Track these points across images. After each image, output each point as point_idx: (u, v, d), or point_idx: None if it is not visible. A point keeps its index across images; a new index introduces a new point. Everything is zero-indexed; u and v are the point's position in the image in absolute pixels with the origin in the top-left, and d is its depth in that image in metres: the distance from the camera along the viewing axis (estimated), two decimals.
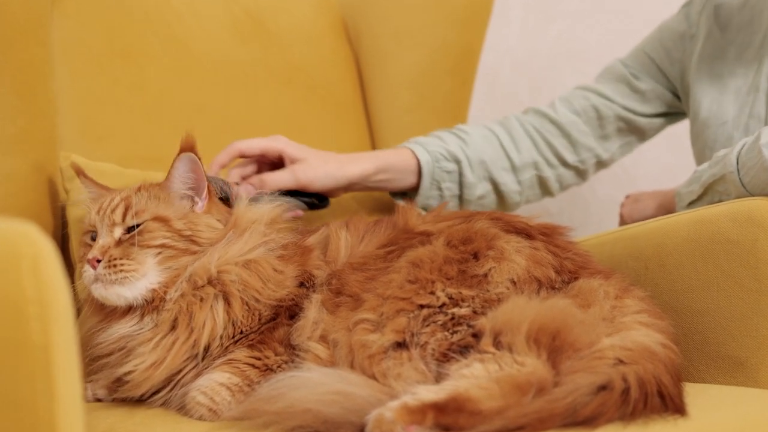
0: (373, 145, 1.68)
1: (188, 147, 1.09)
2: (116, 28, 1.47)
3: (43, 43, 1.30)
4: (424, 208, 1.45)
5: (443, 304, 0.97)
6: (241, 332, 1.04)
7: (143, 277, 1.03)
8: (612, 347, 0.92)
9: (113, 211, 1.07)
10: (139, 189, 1.10)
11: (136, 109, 1.45)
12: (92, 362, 1.09)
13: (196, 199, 1.11)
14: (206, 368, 1.03)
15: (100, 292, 1.03)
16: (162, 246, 1.05)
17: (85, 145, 1.38)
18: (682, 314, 1.15)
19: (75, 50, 1.42)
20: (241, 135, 1.36)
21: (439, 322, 0.95)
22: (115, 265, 1.02)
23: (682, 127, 1.74)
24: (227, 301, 1.04)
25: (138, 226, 1.06)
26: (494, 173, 1.47)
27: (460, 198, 1.47)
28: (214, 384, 1.00)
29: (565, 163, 1.52)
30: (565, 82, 1.98)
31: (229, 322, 1.04)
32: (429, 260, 1.01)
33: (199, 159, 1.09)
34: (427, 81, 1.66)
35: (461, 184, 1.45)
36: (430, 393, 0.85)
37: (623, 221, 1.64)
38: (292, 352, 1.03)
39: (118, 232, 1.06)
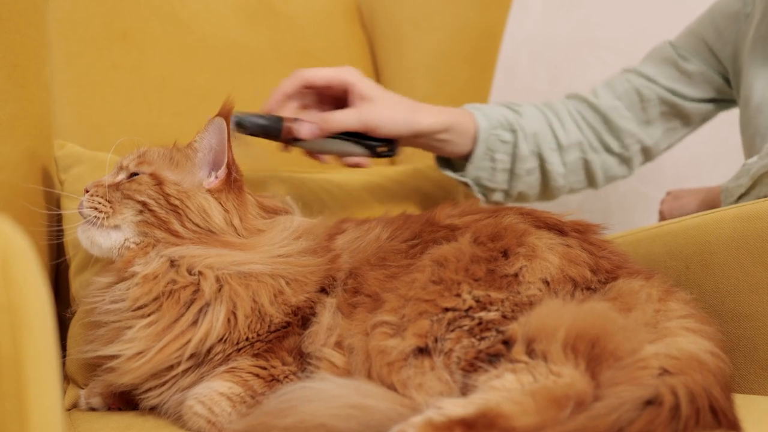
0: None
1: (223, 112, 1.05)
2: (115, 8, 1.43)
3: (36, 22, 1.26)
4: (475, 181, 1.37)
5: (470, 308, 0.89)
6: (246, 339, 0.97)
7: (117, 229, 1.02)
8: (656, 355, 0.84)
9: (131, 155, 1.07)
10: (170, 146, 1.09)
11: (135, 94, 1.41)
12: (89, 329, 1.04)
13: (212, 172, 1.05)
14: (207, 375, 0.97)
15: (79, 233, 1.04)
16: (144, 205, 1.01)
17: (81, 132, 1.34)
18: (728, 319, 1.07)
19: (71, 31, 1.39)
20: None
21: (465, 327, 0.88)
22: (92, 201, 1.02)
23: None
24: (230, 309, 0.97)
25: (136, 175, 1.05)
26: (543, 149, 1.39)
27: (511, 172, 1.39)
28: (214, 393, 0.93)
29: (609, 150, 1.44)
30: (587, 71, 1.91)
31: (231, 330, 0.97)
32: (454, 259, 0.94)
33: (228, 129, 1.04)
34: (445, 67, 1.60)
35: (514, 156, 1.37)
36: (457, 407, 0.77)
37: (662, 218, 1.56)
38: (304, 361, 0.96)
39: (121, 176, 1.06)
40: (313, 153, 1.25)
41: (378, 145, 1.22)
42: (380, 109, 1.19)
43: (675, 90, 1.43)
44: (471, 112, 1.33)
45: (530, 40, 2.13)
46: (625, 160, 1.47)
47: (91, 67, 1.38)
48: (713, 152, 2.13)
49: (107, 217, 1.01)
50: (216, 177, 1.05)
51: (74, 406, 1.10)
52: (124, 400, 1.05)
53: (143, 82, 1.42)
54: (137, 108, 1.40)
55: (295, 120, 1.16)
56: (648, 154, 1.49)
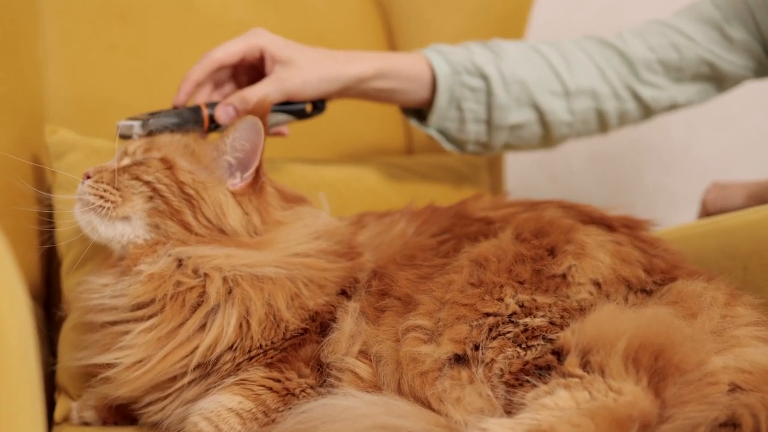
0: (406, 123, 1.52)
1: (258, 111, 0.96)
2: None
3: None
4: (441, 131, 1.25)
5: (513, 313, 0.81)
6: (259, 346, 0.89)
7: (126, 221, 0.94)
8: (725, 369, 0.77)
9: (137, 142, 1.00)
10: (187, 135, 1.02)
11: (134, 77, 1.34)
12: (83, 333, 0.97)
13: (238, 174, 0.96)
14: (213, 387, 0.88)
15: (77, 215, 0.96)
16: (153, 188, 0.94)
17: (76, 117, 1.27)
18: None
19: (66, 8, 1.31)
20: None
21: (509, 335, 0.79)
22: (97, 189, 0.94)
23: (735, 106, 1.63)
24: (243, 313, 0.89)
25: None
26: (539, 97, 1.25)
27: (488, 123, 1.25)
28: (222, 409, 0.86)
29: (638, 97, 1.30)
30: None
31: (243, 337, 0.88)
32: (495, 258, 0.85)
33: (264, 131, 0.95)
34: None
35: (490, 106, 1.24)
36: (504, 429, 0.70)
37: (705, 210, 1.46)
38: (323, 372, 0.88)
39: (126, 161, 0.98)
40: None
41: (304, 106, 1.13)
42: (300, 71, 1.09)
43: (716, 53, 1.30)
44: (426, 55, 1.21)
45: (551, 27, 2.05)
46: (650, 112, 1.33)
47: (87, 48, 1.31)
48: (741, 146, 2.06)
49: (115, 207, 0.92)
50: (242, 179, 0.96)
51: (65, 420, 1.03)
52: (121, 414, 0.97)
53: (143, 65, 1.35)
54: (136, 92, 1.33)
55: (212, 105, 1.08)
56: (673, 109, 1.36)
